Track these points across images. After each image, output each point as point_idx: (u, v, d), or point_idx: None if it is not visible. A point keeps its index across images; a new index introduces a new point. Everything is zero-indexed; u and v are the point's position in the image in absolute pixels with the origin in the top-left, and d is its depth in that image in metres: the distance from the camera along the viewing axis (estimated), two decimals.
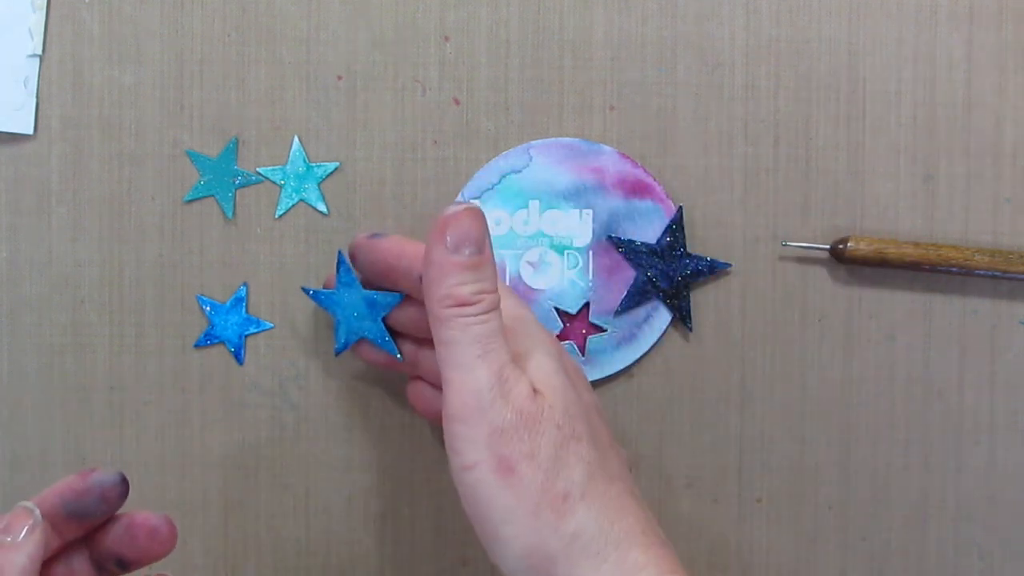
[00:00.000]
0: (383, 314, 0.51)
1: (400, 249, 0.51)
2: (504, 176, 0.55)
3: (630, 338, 0.55)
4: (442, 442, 0.55)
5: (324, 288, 0.53)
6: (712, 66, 0.55)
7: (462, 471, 0.44)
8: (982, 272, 0.54)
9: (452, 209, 0.45)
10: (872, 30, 0.55)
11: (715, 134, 0.55)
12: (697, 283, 0.55)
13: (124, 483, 0.44)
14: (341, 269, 0.52)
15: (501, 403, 0.44)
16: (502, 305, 0.46)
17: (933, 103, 0.55)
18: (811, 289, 0.55)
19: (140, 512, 0.45)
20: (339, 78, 0.55)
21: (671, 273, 0.55)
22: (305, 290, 0.53)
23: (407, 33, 0.55)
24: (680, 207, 0.55)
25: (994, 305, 0.56)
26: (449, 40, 0.55)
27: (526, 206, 0.55)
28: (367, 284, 0.52)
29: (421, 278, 0.49)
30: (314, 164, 0.55)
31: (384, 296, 0.51)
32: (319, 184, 0.55)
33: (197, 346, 0.55)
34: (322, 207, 0.55)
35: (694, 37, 0.55)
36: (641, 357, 0.55)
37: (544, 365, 0.46)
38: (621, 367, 0.55)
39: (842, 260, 0.54)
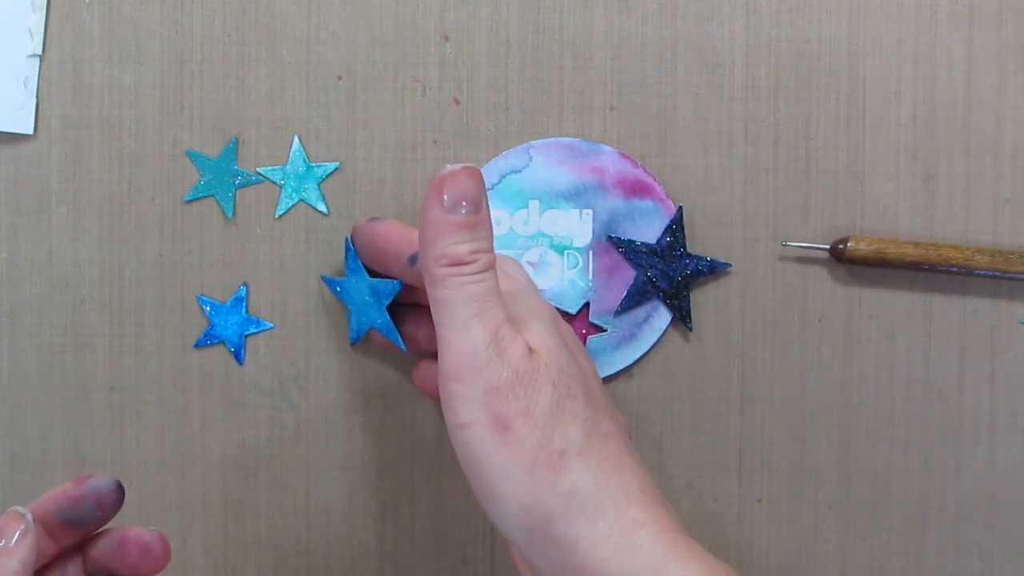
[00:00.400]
0: (387, 302, 0.52)
1: (391, 232, 0.51)
2: (504, 176, 0.55)
3: (630, 338, 0.55)
4: (445, 435, 0.55)
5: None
6: (712, 66, 0.55)
7: (458, 430, 0.44)
8: (982, 272, 0.54)
9: (449, 168, 0.45)
10: (872, 30, 0.55)
11: (715, 134, 0.55)
12: (697, 283, 0.55)
13: (120, 490, 0.44)
14: (348, 256, 0.52)
15: (497, 361, 0.44)
16: (500, 273, 0.46)
17: (933, 103, 0.55)
18: (811, 289, 0.55)
19: (133, 528, 0.44)
20: (339, 78, 0.55)
21: (671, 273, 0.55)
22: (323, 278, 0.53)
23: (407, 33, 0.55)
24: (680, 207, 0.55)
25: (994, 305, 0.56)
26: (449, 40, 0.55)
27: (526, 206, 0.55)
28: (368, 270, 0.52)
29: (408, 260, 0.49)
30: (314, 164, 0.55)
31: (385, 284, 0.52)
32: (319, 184, 0.55)
33: (197, 346, 0.55)
34: (322, 207, 0.55)
35: (694, 37, 0.55)
36: (641, 357, 0.55)
37: (539, 328, 0.46)
38: (621, 367, 0.55)
39: (842, 260, 0.54)
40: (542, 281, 0.54)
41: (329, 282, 0.54)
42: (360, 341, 0.54)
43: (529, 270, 0.54)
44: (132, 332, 0.55)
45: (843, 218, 0.55)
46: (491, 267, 0.45)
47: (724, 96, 0.55)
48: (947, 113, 0.55)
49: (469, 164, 0.45)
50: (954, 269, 0.54)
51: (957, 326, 0.56)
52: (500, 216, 0.55)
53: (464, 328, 0.44)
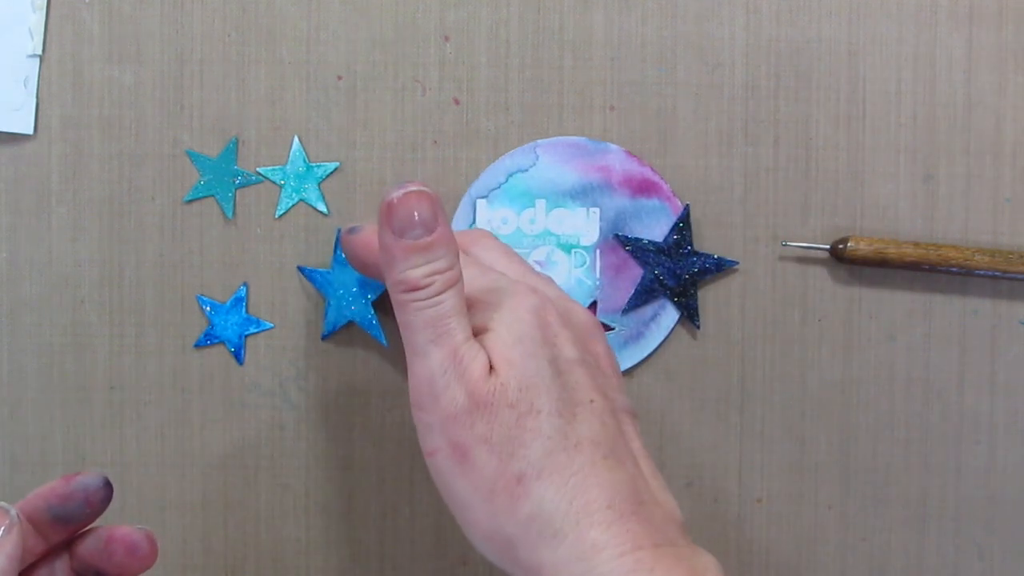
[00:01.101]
0: (374, 297, 0.52)
1: (368, 246, 0.50)
2: (511, 175, 0.55)
3: (637, 336, 0.55)
4: None
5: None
6: (712, 66, 0.55)
7: (427, 457, 0.44)
8: (982, 272, 0.54)
9: (396, 193, 0.44)
10: (872, 30, 0.55)
11: (715, 134, 0.55)
12: (704, 281, 0.55)
13: (108, 487, 0.44)
14: (339, 248, 0.52)
15: (455, 387, 0.43)
16: (468, 275, 0.45)
17: (933, 103, 0.55)
18: (811, 289, 0.55)
19: (120, 527, 0.44)
20: (339, 78, 0.55)
21: (678, 271, 0.55)
22: (301, 269, 0.53)
23: (407, 33, 0.55)
24: (687, 205, 0.55)
25: (994, 305, 0.56)
26: (449, 40, 0.55)
27: (533, 205, 0.55)
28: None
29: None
30: (314, 164, 0.55)
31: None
32: (319, 184, 0.55)
33: (197, 346, 0.55)
34: (322, 207, 0.55)
35: (694, 37, 0.55)
36: (649, 355, 0.55)
37: (503, 337, 0.45)
38: (629, 365, 0.55)
39: (842, 260, 0.54)
40: None
41: (309, 273, 0.53)
42: (346, 354, 0.54)
43: (536, 269, 0.54)
44: (132, 332, 0.55)
45: (843, 218, 0.55)
46: (450, 286, 0.44)
47: (724, 96, 0.55)
48: (947, 113, 0.55)
49: (416, 186, 0.44)
50: (954, 269, 0.54)
51: (957, 326, 0.56)
52: (507, 215, 0.55)
53: (423, 354, 0.44)
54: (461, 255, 0.46)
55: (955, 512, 0.56)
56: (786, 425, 0.56)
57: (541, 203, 0.55)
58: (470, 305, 0.45)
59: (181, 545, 0.55)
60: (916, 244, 0.54)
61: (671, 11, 0.55)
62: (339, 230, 0.53)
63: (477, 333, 0.45)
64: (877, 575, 0.56)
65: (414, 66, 0.55)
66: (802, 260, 0.55)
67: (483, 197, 0.54)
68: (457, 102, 0.55)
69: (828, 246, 0.55)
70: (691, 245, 0.55)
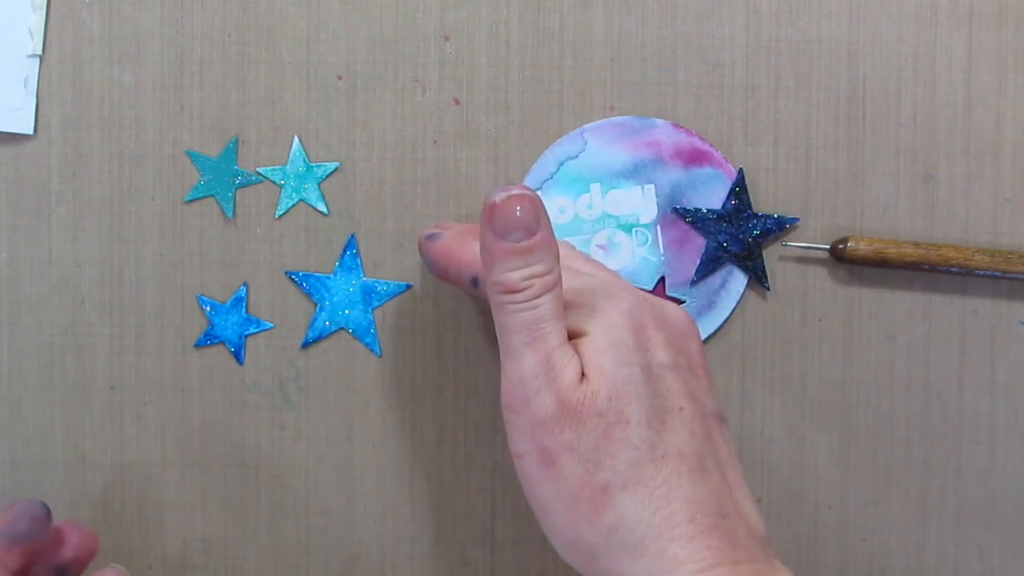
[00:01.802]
0: (378, 304, 0.52)
1: (449, 253, 0.50)
2: (561, 164, 0.55)
3: (709, 306, 0.55)
4: (445, 435, 0.55)
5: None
6: (712, 66, 0.55)
7: (514, 459, 0.44)
8: (982, 272, 0.54)
9: (500, 195, 0.43)
10: (872, 30, 0.55)
11: (715, 134, 0.55)
12: (766, 243, 0.55)
13: (45, 506, 0.47)
14: (347, 253, 0.52)
15: (545, 392, 0.43)
16: (565, 278, 0.45)
17: (933, 103, 0.55)
18: (811, 289, 0.55)
19: (62, 522, 0.47)
20: (339, 78, 0.55)
21: (741, 236, 0.54)
22: (289, 274, 0.53)
23: (407, 33, 0.55)
24: (740, 169, 0.54)
25: (994, 305, 0.56)
26: (449, 40, 0.55)
27: (587, 190, 0.54)
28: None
29: (470, 283, 0.48)
30: (314, 164, 0.55)
31: (389, 285, 0.51)
32: (319, 184, 0.55)
33: (197, 346, 0.55)
34: (322, 207, 0.55)
35: (694, 37, 0.55)
36: (724, 323, 0.55)
37: (596, 342, 0.44)
38: (705, 336, 0.55)
39: (842, 260, 0.54)
40: (614, 262, 0.54)
41: (299, 278, 0.53)
42: (346, 355, 0.54)
43: (600, 253, 0.54)
44: (132, 332, 0.55)
45: (843, 218, 0.55)
46: (549, 290, 0.44)
47: (724, 96, 0.55)
48: (947, 113, 0.55)
49: (519, 188, 0.44)
50: (954, 269, 0.54)
51: (957, 326, 0.56)
52: (563, 204, 0.54)
53: (516, 357, 0.44)
54: None
55: (955, 512, 0.56)
56: (786, 425, 0.56)
57: (595, 187, 0.54)
58: (565, 307, 0.45)
59: (181, 545, 0.55)
60: (916, 244, 0.54)
61: (671, 11, 0.55)
62: (353, 235, 0.52)
63: (572, 336, 0.45)
64: (877, 575, 0.56)
65: (414, 66, 0.55)
66: (802, 260, 0.55)
67: (537, 189, 0.54)
68: (457, 102, 0.55)
69: (828, 246, 0.55)
70: (750, 208, 0.54)
